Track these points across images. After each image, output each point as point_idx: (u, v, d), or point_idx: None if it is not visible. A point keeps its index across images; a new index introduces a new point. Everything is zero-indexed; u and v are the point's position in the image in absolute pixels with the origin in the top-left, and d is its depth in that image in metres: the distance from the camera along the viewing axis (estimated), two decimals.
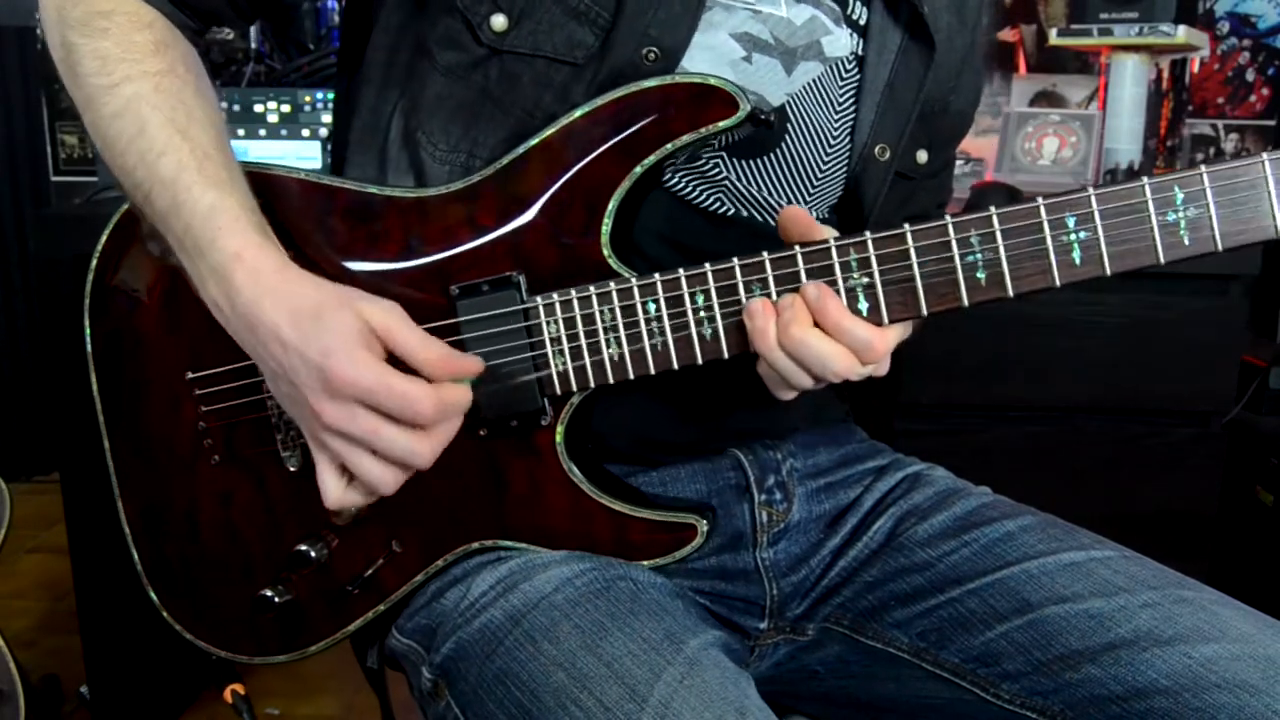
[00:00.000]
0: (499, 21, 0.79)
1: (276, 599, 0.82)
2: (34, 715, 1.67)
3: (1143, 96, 2.17)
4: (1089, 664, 0.76)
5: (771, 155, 0.85)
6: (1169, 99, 2.85)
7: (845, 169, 0.89)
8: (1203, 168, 0.67)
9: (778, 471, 0.90)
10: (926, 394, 1.69)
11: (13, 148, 3.19)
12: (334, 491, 0.74)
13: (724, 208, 0.85)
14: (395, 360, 0.72)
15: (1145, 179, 0.68)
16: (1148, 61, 2.04)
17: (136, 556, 0.89)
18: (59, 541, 2.26)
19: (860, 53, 0.87)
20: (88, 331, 0.88)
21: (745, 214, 0.85)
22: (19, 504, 1.75)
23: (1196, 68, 2.65)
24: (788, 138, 0.85)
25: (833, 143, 0.87)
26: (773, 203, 0.85)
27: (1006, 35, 2.70)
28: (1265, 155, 0.66)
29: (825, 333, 0.71)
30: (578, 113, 0.77)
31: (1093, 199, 0.69)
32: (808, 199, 0.87)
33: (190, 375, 0.84)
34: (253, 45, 2.11)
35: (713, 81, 0.75)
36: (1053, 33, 2.16)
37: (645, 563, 0.80)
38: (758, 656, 0.91)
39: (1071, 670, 0.77)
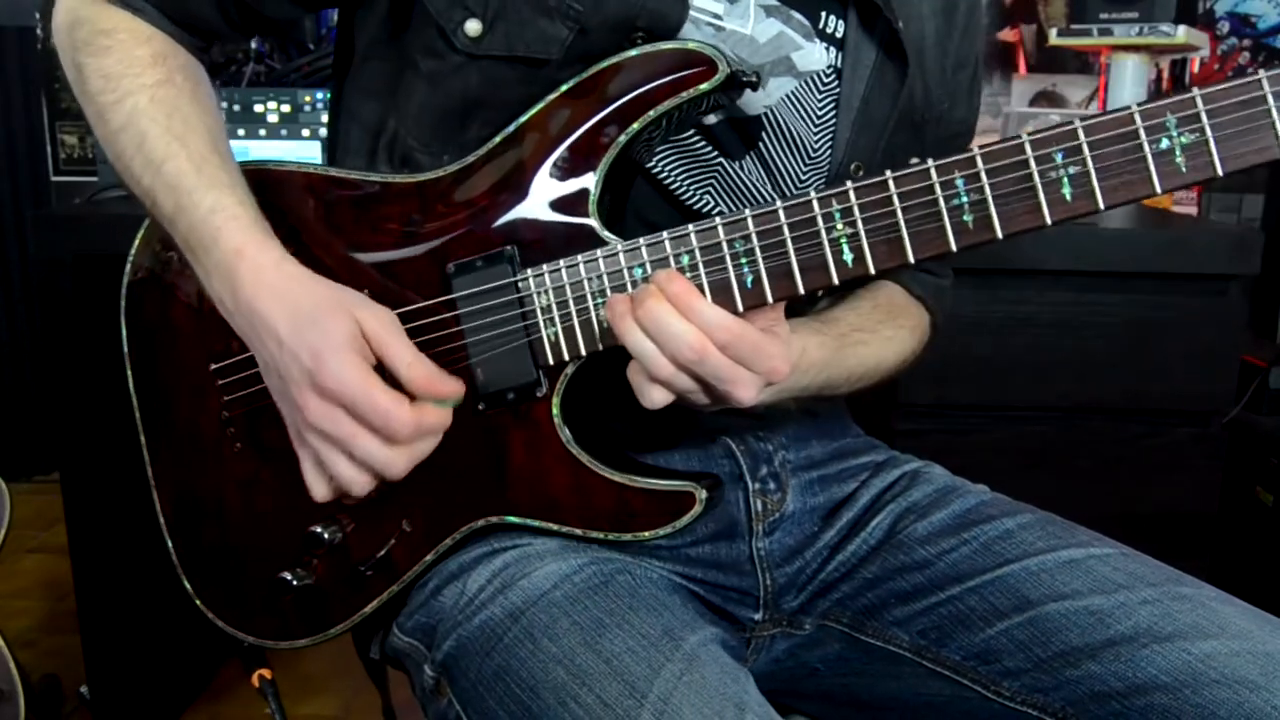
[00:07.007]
0: (473, 27, 0.80)
1: (295, 581, 0.84)
2: (34, 715, 1.67)
3: (1142, 96, 2.17)
4: (1089, 661, 0.76)
5: (753, 159, 0.85)
6: None
7: (825, 181, 0.88)
8: (1195, 89, 0.64)
9: (770, 462, 0.90)
10: (925, 394, 1.68)
11: (13, 148, 3.19)
12: (317, 487, 0.77)
13: (710, 205, 0.85)
14: (384, 371, 0.73)
15: (1134, 105, 0.65)
16: (1148, 61, 2.04)
17: (171, 547, 0.91)
18: (59, 541, 2.26)
19: (839, 65, 0.86)
20: (124, 332, 0.92)
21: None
22: (19, 504, 1.76)
23: (1196, 68, 2.65)
24: (769, 146, 0.85)
25: (813, 154, 0.87)
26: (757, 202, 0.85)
27: (1006, 35, 2.71)
28: (1263, 73, 0.63)
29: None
30: (562, 88, 0.78)
31: (1080, 131, 0.66)
32: None
33: (213, 366, 0.86)
34: (253, 45, 2.12)
35: (691, 46, 0.75)
36: (1053, 33, 2.15)
37: (646, 534, 0.80)
38: (755, 650, 0.92)
39: (1071, 667, 0.77)
